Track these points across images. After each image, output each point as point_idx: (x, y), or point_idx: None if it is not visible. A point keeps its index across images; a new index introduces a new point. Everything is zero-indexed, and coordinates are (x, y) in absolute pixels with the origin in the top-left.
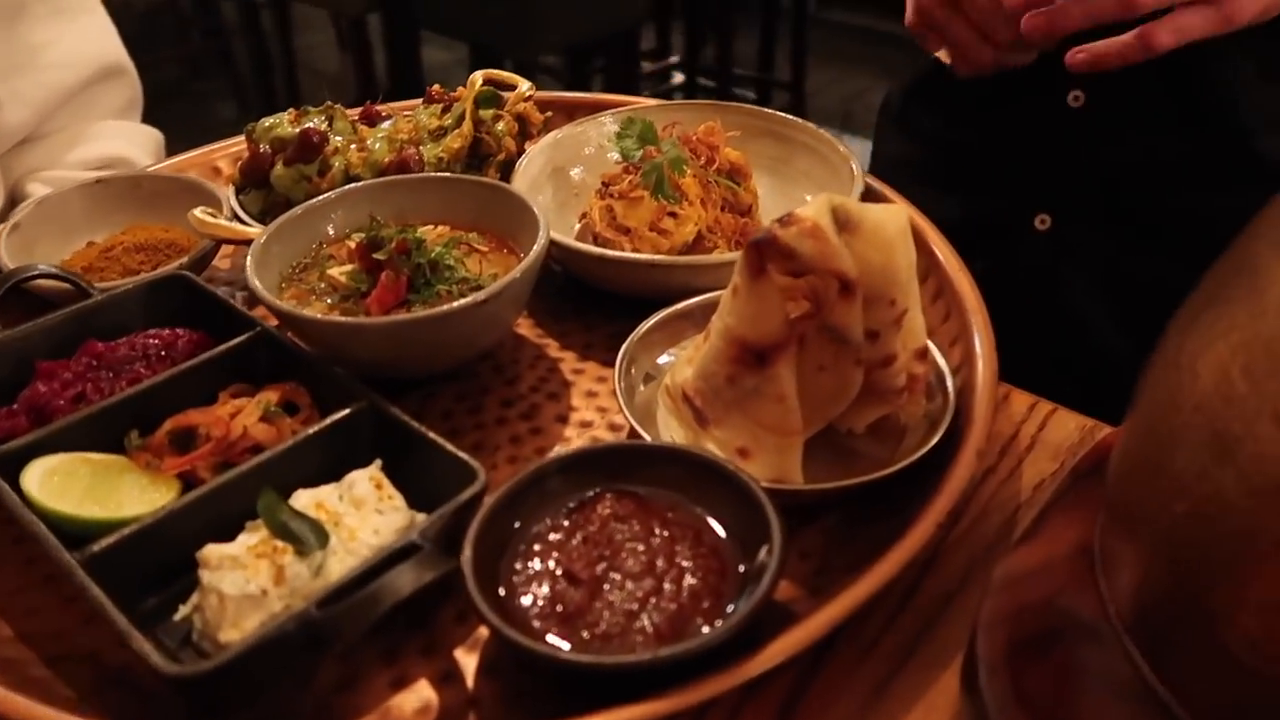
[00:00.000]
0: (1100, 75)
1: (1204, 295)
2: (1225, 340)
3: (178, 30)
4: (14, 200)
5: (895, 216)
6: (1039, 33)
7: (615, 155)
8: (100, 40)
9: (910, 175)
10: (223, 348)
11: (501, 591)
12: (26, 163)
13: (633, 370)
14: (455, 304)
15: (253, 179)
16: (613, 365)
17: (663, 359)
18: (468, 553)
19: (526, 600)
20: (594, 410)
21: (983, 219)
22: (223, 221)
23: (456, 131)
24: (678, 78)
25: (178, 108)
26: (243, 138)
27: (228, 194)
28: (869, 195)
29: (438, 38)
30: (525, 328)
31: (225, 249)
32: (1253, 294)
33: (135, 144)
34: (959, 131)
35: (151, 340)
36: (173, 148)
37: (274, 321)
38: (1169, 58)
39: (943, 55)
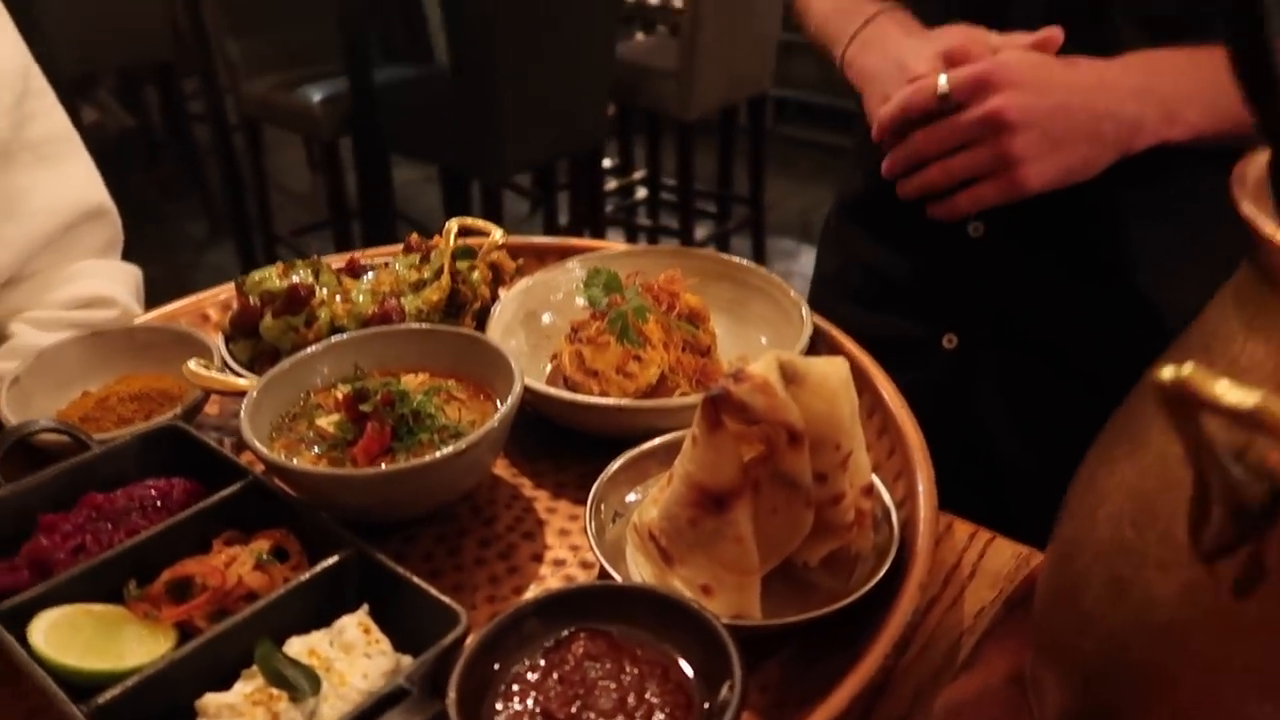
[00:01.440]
0: (998, 209)
1: (1101, 452)
2: (1117, 494)
3: (149, 153)
4: None
5: (838, 369)
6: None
7: (583, 301)
8: (83, 185)
9: (841, 291)
10: (215, 498)
11: None
12: (8, 304)
13: (602, 509)
14: (438, 454)
15: (242, 329)
16: (583, 503)
17: (630, 497)
18: (452, 695)
19: None
20: (567, 548)
21: (899, 336)
22: (215, 374)
23: (435, 284)
24: (641, 193)
25: (148, 228)
26: (230, 285)
27: (217, 342)
28: (817, 335)
29: (406, 159)
30: (501, 468)
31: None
32: (1137, 452)
33: (116, 282)
34: (879, 252)
35: (148, 491)
36: (144, 270)
37: (261, 468)
38: (1062, 193)
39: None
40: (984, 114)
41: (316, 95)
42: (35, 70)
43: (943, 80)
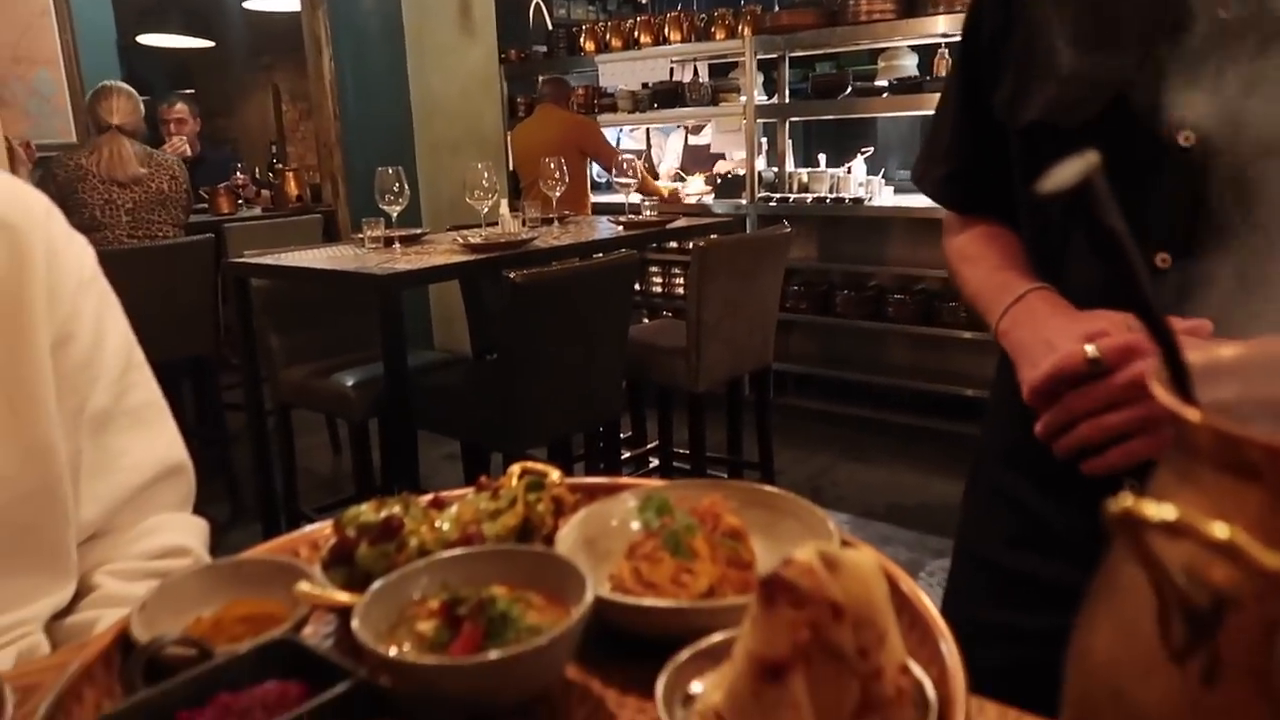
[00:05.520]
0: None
1: (1091, 596)
2: (1107, 624)
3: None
4: (82, 591)
5: (870, 557)
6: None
7: (635, 525)
8: (168, 445)
9: (994, 531)
10: (329, 694)
11: None
12: (93, 558)
13: (672, 695)
14: (525, 646)
15: (339, 558)
16: (649, 699)
17: (694, 688)
18: None
19: None
20: None
21: (1055, 579)
22: (324, 592)
23: (511, 512)
24: (654, 461)
25: None
26: (311, 527)
27: (315, 570)
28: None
29: (429, 436)
30: (572, 671)
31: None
32: (1117, 591)
33: (190, 534)
34: (1037, 497)
35: (270, 691)
36: None
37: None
38: None
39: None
40: (1133, 376)
41: (350, 380)
42: (136, 346)
43: (1090, 348)
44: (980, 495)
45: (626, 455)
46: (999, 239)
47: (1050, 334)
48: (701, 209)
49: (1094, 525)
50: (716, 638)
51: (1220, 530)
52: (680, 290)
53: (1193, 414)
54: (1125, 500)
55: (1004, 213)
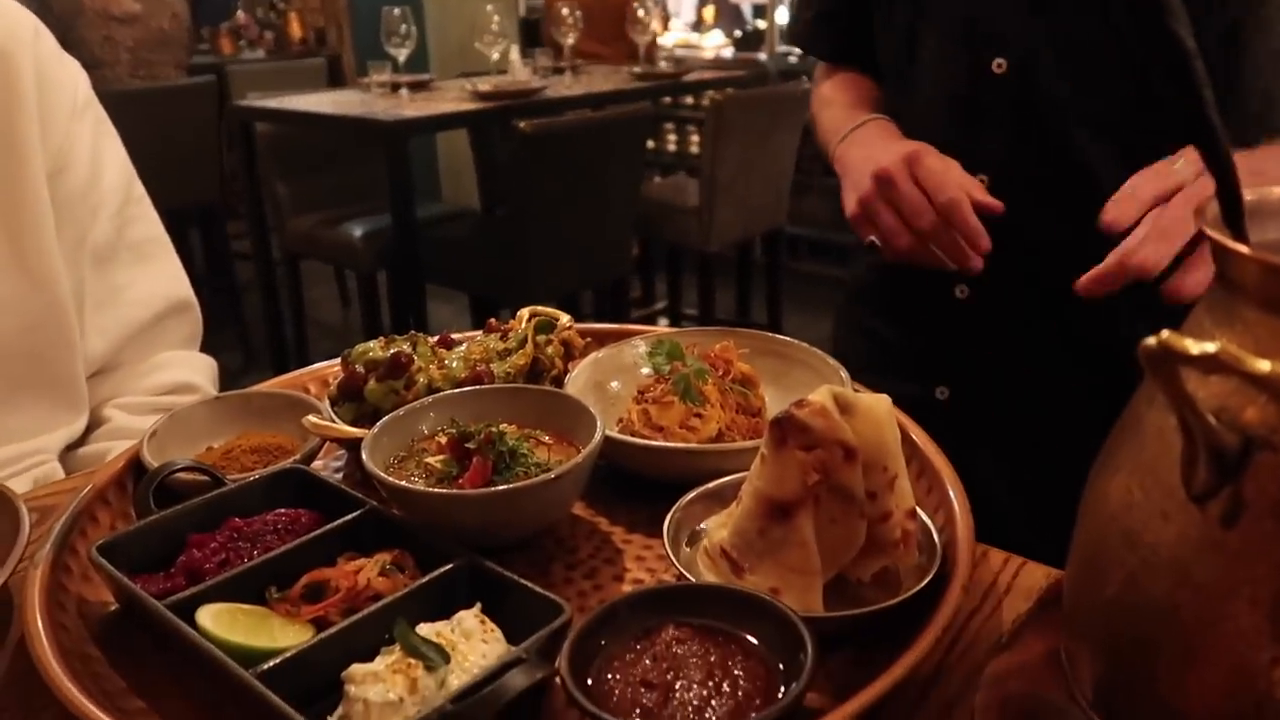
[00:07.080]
0: (982, 276)
1: (1109, 443)
2: (1125, 469)
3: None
4: (93, 424)
5: (882, 402)
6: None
7: (646, 370)
8: (172, 281)
9: (853, 363)
10: (340, 521)
11: (590, 697)
12: (102, 392)
13: (678, 533)
14: (535, 479)
15: (347, 394)
16: (656, 537)
17: (700, 527)
18: (563, 660)
19: (612, 701)
20: (644, 570)
21: (899, 394)
22: (332, 424)
23: (521, 351)
24: (662, 323)
25: None
26: (321, 365)
27: (324, 406)
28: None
29: (437, 290)
30: (579, 509)
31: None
32: (1138, 436)
33: (197, 372)
34: (879, 323)
35: (280, 517)
36: None
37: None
38: (1041, 263)
39: (875, 240)
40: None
41: (358, 231)
42: (137, 179)
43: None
44: (842, 331)
45: (635, 316)
46: (856, 84)
47: (875, 152)
48: (720, 62)
49: (929, 347)
50: (724, 480)
51: (1262, 364)
52: (695, 148)
53: (1240, 247)
54: (1162, 336)
55: (868, 65)
